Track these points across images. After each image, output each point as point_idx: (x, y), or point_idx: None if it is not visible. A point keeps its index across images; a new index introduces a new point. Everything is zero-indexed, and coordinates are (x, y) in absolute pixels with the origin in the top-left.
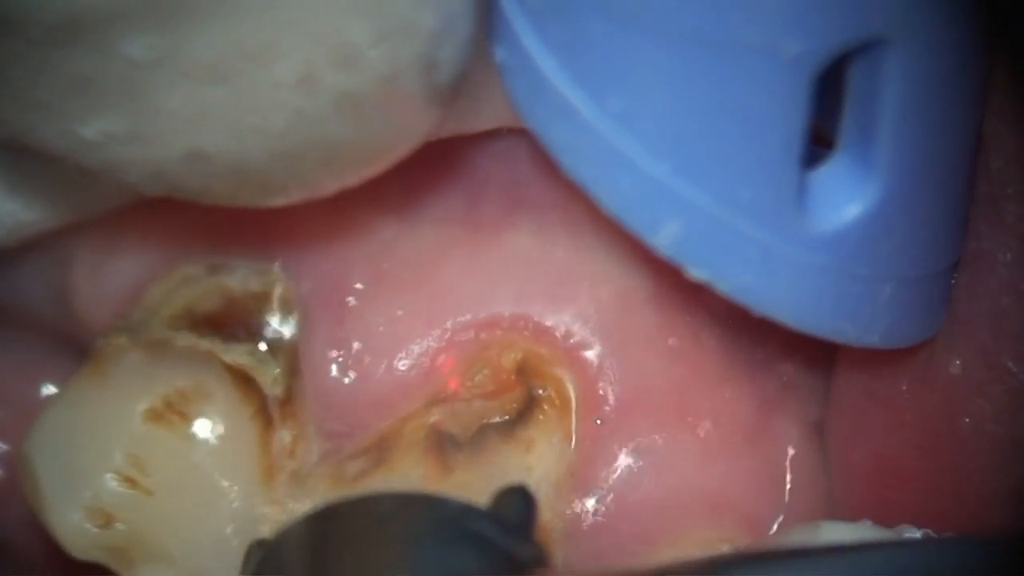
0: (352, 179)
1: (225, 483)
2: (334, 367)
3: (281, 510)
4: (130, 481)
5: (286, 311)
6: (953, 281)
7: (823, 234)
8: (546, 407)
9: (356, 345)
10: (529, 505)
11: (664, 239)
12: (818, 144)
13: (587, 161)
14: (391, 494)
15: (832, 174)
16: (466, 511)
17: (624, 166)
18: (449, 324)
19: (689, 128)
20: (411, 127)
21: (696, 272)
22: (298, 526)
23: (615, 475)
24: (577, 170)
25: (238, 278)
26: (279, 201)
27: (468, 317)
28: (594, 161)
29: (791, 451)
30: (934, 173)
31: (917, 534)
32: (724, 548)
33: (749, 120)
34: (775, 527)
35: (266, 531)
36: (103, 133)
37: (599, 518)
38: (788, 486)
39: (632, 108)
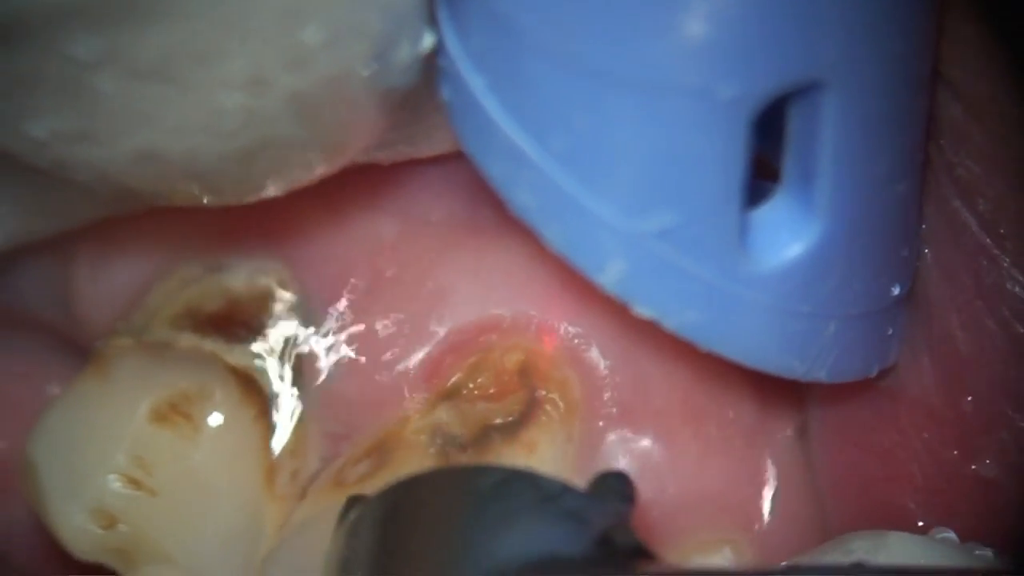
0: (302, 179)
1: (227, 484)
2: (335, 368)
3: (283, 510)
4: (133, 482)
5: (288, 312)
6: (931, 322)
7: (765, 272)
8: (548, 409)
9: (357, 346)
10: (629, 492)
11: (609, 278)
12: (767, 175)
13: (532, 200)
14: (492, 468)
15: (774, 213)
16: (565, 491)
17: (568, 205)
18: (450, 325)
19: (631, 168)
20: (362, 127)
21: (641, 310)
22: (397, 489)
23: None
24: (523, 208)
25: (240, 279)
26: (228, 202)
27: (470, 319)
28: (539, 200)
29: (788, 453)
30: (875, 213)
31: (988, 552)
32: (724, 549)
33: (689, 161)
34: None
35: (268, 531)
36: (51, 132)
37: None
38: (782, 488)
39: (574, 148)
